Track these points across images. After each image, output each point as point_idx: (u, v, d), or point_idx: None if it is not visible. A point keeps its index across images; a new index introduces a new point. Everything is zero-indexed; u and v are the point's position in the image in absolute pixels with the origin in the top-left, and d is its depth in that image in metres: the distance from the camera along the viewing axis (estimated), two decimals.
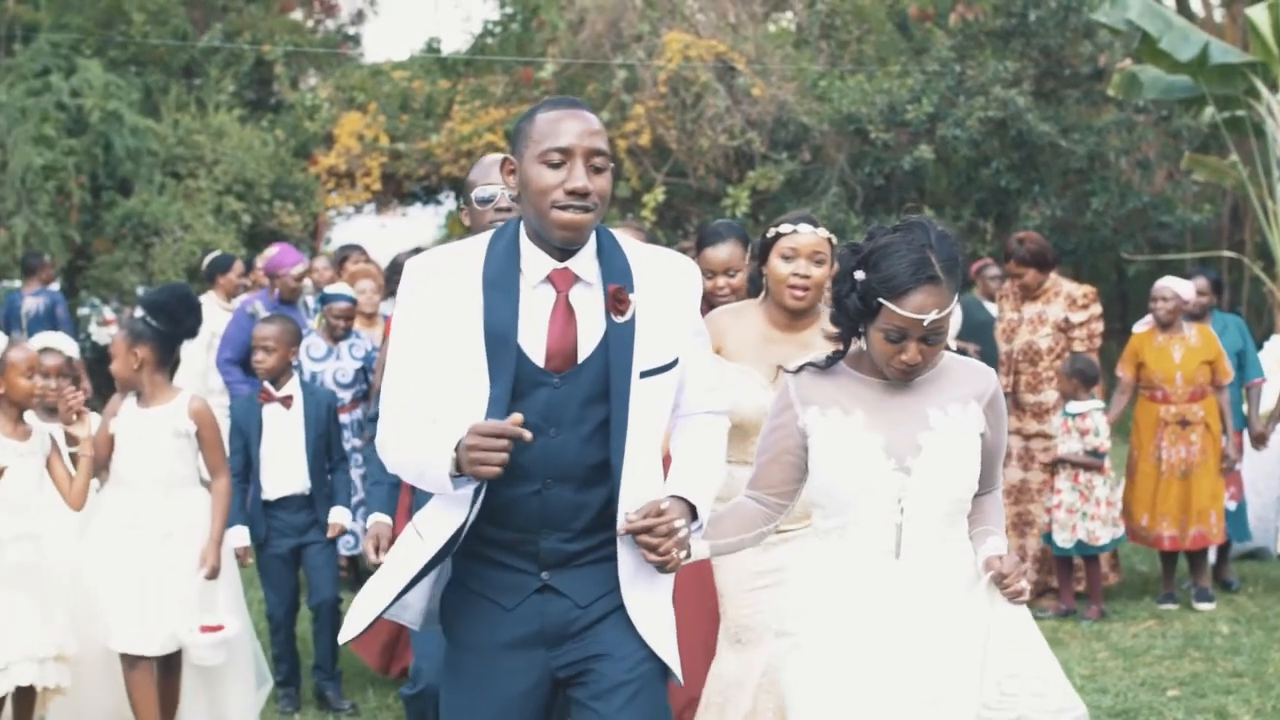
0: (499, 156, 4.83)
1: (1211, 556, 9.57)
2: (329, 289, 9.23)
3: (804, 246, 5.03)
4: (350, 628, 3.67)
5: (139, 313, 6.42)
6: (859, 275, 3.67)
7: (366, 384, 8.49)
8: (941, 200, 18.72)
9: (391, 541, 5.03)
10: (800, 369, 3.88)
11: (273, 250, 10.06)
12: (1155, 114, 17.84)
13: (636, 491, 3.52)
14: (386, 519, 5.27)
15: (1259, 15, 13.81)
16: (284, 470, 7.15)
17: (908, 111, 17.76)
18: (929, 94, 17.86)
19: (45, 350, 6.49)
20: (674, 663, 3.65)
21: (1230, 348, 9.58)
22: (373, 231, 21.94)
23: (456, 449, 3.37)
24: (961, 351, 12.32)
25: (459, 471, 3.39)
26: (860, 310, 3.68)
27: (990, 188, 18.17)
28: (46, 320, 12.99)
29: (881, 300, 3.61)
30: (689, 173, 18.79)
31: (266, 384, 7.24)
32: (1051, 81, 18.45)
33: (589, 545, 3.56)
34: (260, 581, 7.50)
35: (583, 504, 3.54)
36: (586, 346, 3.52)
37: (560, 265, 3.53)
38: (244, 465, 7.13)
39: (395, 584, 3.59)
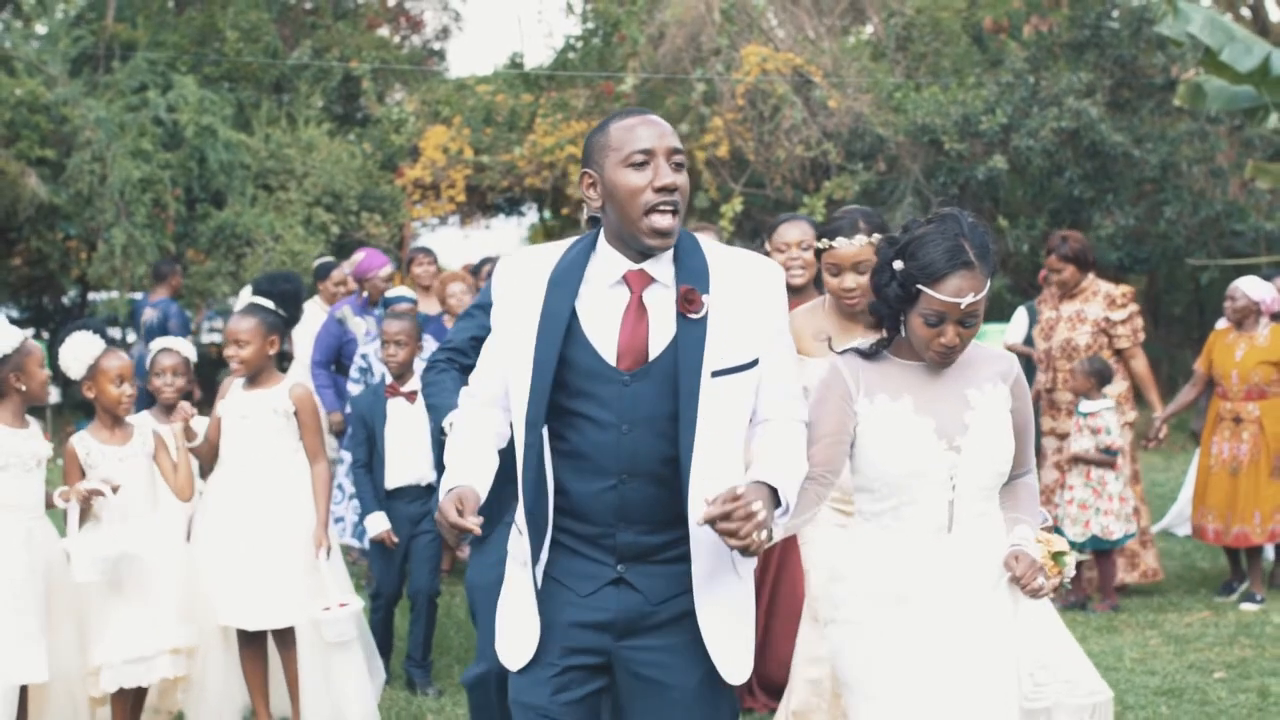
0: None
1: (1269, 554, 9.77)
2: (391, 292, 9.60)
3: (845, 259, 5.33)
4: (518, 656, 3.78)
5: (245, 300, 6.68)
6: (898, 265, 3.91)
7: None
8: (1015, 210, 18.92)
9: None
10: (844, 352, 4.08)
11: (360, 255, 10.42)
12: (1228, 123, 17.97)
13: (708, 488, 3.52)
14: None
15: None
16: (404, 461, 7.51)
17: (982, 122, 18.01)
18: (1003, 105, 18.10)
19: (163, 350, 6.83)
20: (739, 668, 3.74)
21: None
22: (457, 242, 22.38)
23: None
24: (1024, 357, 12.58)
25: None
26: (900, 297, 3.91)
27: (1064, 197, 18.38)
28: (159, 333, 13.37)
29: (920, 287, 3.85)
30: (766, 183, 19.11)
31: (392, 378, 7.63)
32: (1125, 92, 18.63)
33: (665, 540, 3.65)
34: (370, 562, 7.88)
35: (658, 499, 3.62)
36: (657, 346, 3.60)
37: (635, 266, 3.65)
38: (368, 455, 7.52)
39: (528, 617, 3.74)
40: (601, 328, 3.63)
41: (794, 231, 6.71)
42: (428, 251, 11.58)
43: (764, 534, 3.43)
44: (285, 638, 6.50)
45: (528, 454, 3.63)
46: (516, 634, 3.76)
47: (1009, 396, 4.02)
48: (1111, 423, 8.96)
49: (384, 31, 24.08)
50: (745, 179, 19.08)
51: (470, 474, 3.72)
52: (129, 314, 17.06)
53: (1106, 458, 8.94)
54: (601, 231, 3.73)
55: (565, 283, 3.66)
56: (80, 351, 6.12)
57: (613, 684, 3.79)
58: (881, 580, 3.96)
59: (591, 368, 3.61)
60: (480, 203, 21.66)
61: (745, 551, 3.42)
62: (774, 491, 3.55)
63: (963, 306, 3.83)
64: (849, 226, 5.34)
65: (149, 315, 13.84)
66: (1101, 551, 9.00)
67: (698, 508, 3.49)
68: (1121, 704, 6.94)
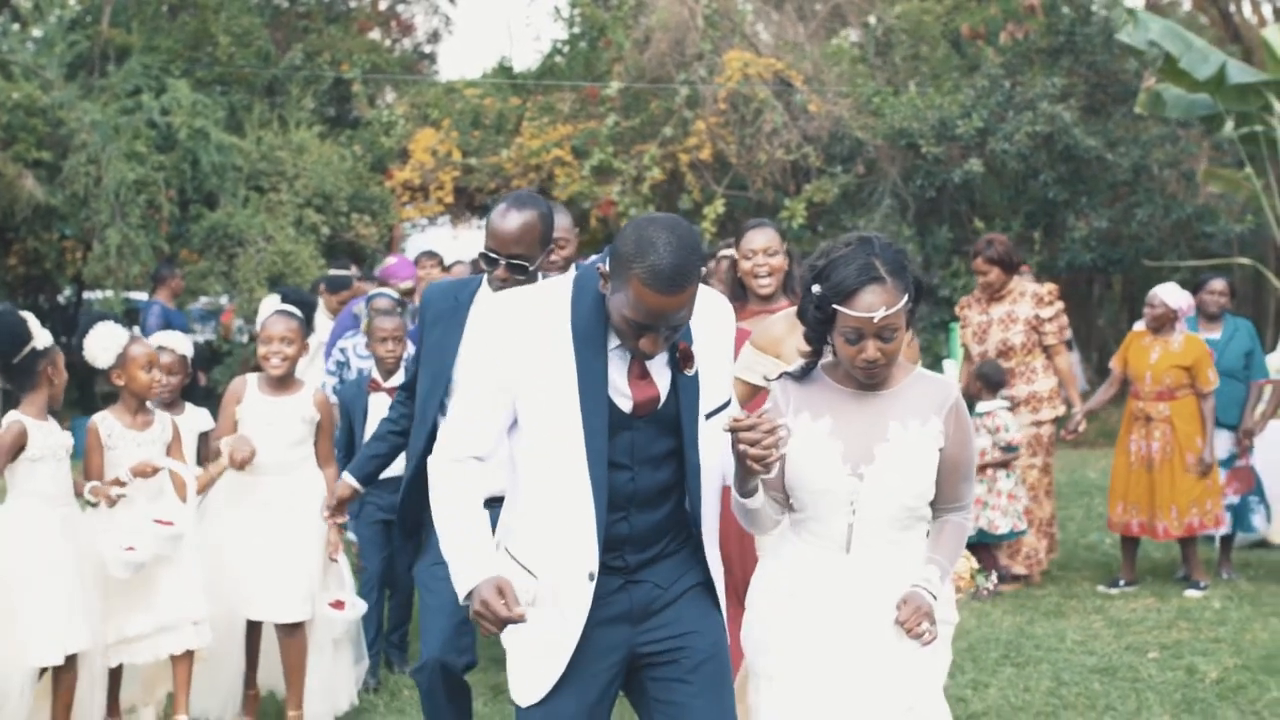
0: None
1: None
2: (372, 289, 9.91)
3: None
4: (533, 693, 3.93)
5: (271, 308, 6.97)
6: (815, 289, 4.03)
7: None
8: (991, 212, 19.25)
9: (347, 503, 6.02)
10: (780, 376, 4.28)
11: (391, 260, 10.82)
12: (1199, 128, 18.35)
13: (708, 509, 3.97)
14: (355, 483, 6.06)
15: (1274, 36, 14.35)
16: None
17: (958, 126, 18.36)
18: (979, 109, 18.45)
19: (161, 348, 6.99)
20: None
21: (1239, 349, 10.24)
22: (445, 242, 22.65)
23: (473, 590, 3.69)
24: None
25: (467, 599, 3.72)
26: (819, 319, 4.00)
27: (1038, 200, 18.74)
28: (143, 333, 13.73)
29: (835, 306, 3.93)
30: (748, 185, 19.46)
31: (376, 375, 7.93)
32: (1099, 97, 19.02)
33: (663, 547, 3.95)
34: (359, 547, 8.23)
35: (659, 522, 3.93)
36: (661, 394, 3.85)
37: None
38: (346, 444, 7.79)
39: (563, 651, 3.86)
40: (616, 383, 3.82)
41: (760, 238, 6.54)
42: (432, 255, 11.77)
43: (781, 451, 3.74)
44: (288, 628, 6.65)
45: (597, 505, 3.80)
46: (537, 672, 3.91)
47: (940, 432, 4.08)
48: (1008, 421, 9.38)
49: (375, 35, 24.35)
50: (727, 181, 19.43)
51: (489, 554, 3.81)
52: (123, 313, 17.40)
53: (1006, 455, 9.36)
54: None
55: (594, 343, 3.80)
56: (108, 341, 6.28)
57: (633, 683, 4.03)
58: (787, 583, 4.16)
59: (613, 418, 3.82)
60: (468, 204, 21.90)
61: (761, 462, 3.68)
62: None
63: (876, 320, 3.90)
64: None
65: (141, 317, 14.23)
66: (985, 545, 9.33)
67: (705, 526, 3.94)
68: (1057, 680, 7.36)
